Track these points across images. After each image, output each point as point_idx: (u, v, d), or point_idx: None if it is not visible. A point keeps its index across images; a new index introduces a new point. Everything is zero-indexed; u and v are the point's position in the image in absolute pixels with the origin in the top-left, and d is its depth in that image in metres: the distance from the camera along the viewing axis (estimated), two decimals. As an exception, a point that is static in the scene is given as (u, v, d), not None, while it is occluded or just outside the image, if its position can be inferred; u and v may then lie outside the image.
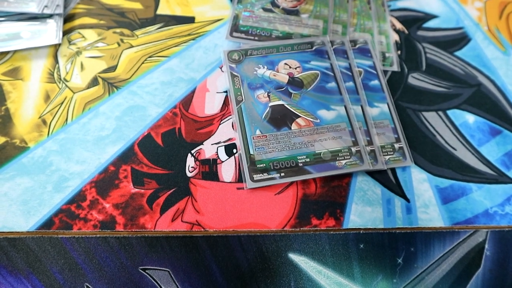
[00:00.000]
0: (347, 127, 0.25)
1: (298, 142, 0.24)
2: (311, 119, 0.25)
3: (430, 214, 0.24)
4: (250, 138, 0.25)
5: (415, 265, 0.23)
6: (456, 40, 0.30)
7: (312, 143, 0.24)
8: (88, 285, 0.22)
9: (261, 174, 0.24)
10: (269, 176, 0.24)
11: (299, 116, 0.26)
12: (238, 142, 0.25)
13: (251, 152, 0.24)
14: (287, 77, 0.27)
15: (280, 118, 0.25)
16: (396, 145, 0.25)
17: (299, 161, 0.24)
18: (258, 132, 0.25)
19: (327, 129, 0.25)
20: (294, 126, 0.25)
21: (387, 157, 0.25)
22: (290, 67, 0.28)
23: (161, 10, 0.31)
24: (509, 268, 0.23)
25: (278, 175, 0.24)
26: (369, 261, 0.23)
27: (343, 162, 0.24)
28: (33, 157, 0.24)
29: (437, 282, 0.23)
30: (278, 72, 0.27)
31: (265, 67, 0.27)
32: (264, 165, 0.24)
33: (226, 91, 0.27)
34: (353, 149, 0.24)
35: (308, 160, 0.24)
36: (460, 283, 0.23)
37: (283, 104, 0.26)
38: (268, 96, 0.26)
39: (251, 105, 0.26)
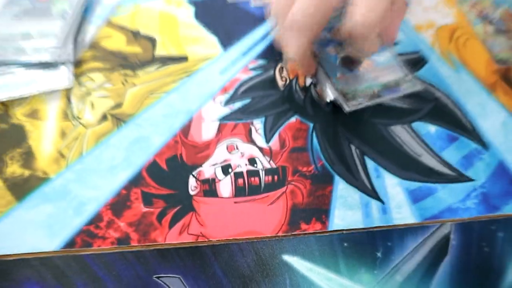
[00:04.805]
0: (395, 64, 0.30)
1: (370, 77, 0.29)
2: (371, 62, 0.31)
3: (403, 213, 0.28)
4: (335, 79, 0.29)
5: (392, 257, 0.26)
6: (415, 63, 0.35)
7: (378, 77, 0.29)
8: (109, 294, 0.25)
9: (353, 101, 0.28)
10: (358, 102, 0.28)
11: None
12: (328, 86, 0.30)
13: (339, 88, 0.29)
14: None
15: (350, 63, 0.30)
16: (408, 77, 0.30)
17: (375, 89, 0.29)
18: (338, 74, 0.29)
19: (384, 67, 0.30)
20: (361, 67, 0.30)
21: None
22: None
23: (158, 52, 0.35)
24: (472, 254, 0.27)
25: (364, 99, 0.28)
26: (353, 257, 0.26)
27: (404, 86, 0.29)
28: (54, 187, 0.28)
29: (412, 270, 0.26)
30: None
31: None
32: (352, 95, 0.28)
33: (219, 119, 0.31)
34: (407, 78, 0.30)
35: (380, 88, 0.29)
36: (432, 269, 0.26)
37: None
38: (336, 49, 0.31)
39: (326, 56, 0.30)
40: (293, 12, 0.26)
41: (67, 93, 0.32)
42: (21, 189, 0.28)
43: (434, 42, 0.36)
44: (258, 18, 0.37)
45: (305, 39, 0.27)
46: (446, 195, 0.29)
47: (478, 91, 0.34)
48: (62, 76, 0.32)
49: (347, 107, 0.28)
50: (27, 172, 0.28)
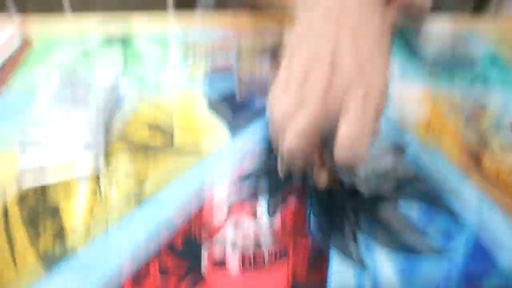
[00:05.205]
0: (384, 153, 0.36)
1: (369, 165, 0.35)
2: None
3: (392, 286, 0.31)
4: None
5: (386, 327, 0.29)
6: (398, 150, 0.41)
7: (376, 164, 0.34)
8: None
9: (364, 184, 0.33)
10: (369, 185, 0.34)
11: None
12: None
13: None
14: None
15: None
16: None
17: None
18: None
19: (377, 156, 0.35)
20: None
21: None
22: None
23: (176, 140, 0.41)
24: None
25: (373, 183, 0.34)
26: (350, 327, 0.29)
27: (399, 171, 0.35)
28: (81, 259, 0.31)
29: None
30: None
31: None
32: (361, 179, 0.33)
33: (229, 199, 0.36)
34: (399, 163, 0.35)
35: (380, 173, 0.34)
36: None
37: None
38: None
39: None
40: (287, 143, 0.28)
41: (97, 176, 0.37)
42: (51, 260, 0.31)
43: (413, 132, 0.42)
44: (263, 112, 0.44)
45: (300, 161, 0.30)
46: (431, 269, 0.32)
47: (454, 174, 0.39)
48: (93, 162, 0.37)
49: (364, 191, 0.32)
50: (57, 244, 0.32)
